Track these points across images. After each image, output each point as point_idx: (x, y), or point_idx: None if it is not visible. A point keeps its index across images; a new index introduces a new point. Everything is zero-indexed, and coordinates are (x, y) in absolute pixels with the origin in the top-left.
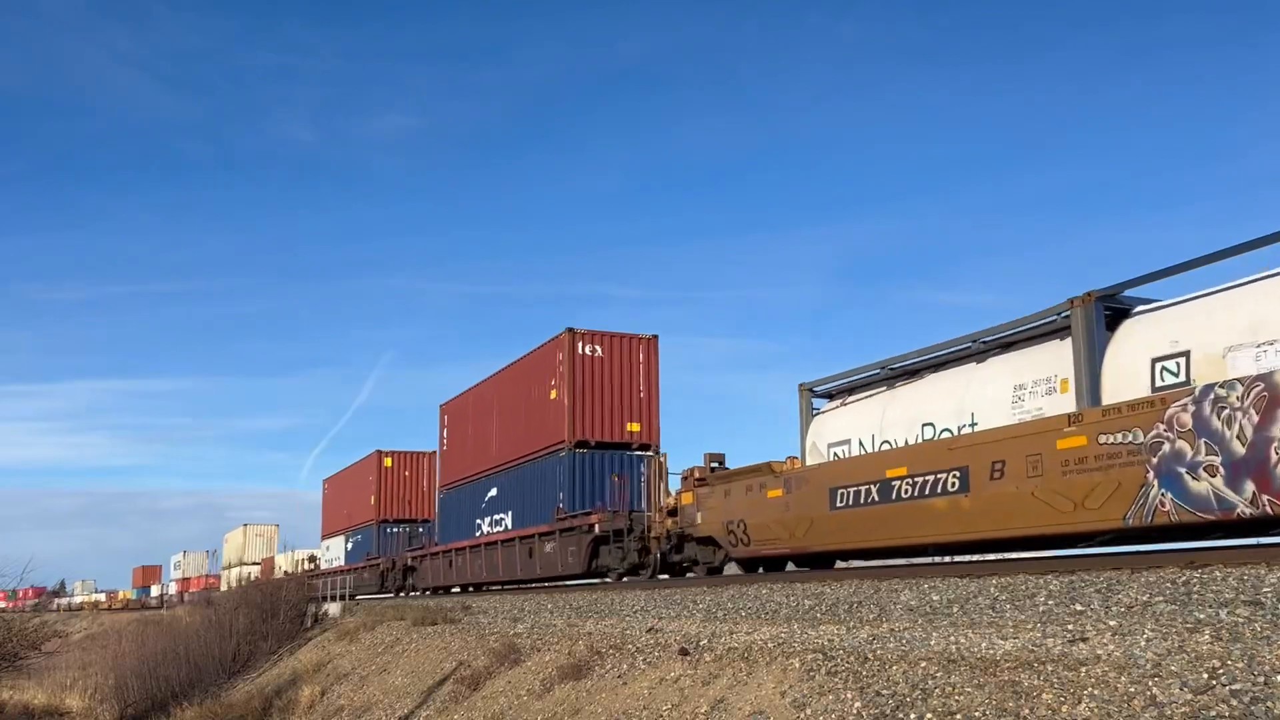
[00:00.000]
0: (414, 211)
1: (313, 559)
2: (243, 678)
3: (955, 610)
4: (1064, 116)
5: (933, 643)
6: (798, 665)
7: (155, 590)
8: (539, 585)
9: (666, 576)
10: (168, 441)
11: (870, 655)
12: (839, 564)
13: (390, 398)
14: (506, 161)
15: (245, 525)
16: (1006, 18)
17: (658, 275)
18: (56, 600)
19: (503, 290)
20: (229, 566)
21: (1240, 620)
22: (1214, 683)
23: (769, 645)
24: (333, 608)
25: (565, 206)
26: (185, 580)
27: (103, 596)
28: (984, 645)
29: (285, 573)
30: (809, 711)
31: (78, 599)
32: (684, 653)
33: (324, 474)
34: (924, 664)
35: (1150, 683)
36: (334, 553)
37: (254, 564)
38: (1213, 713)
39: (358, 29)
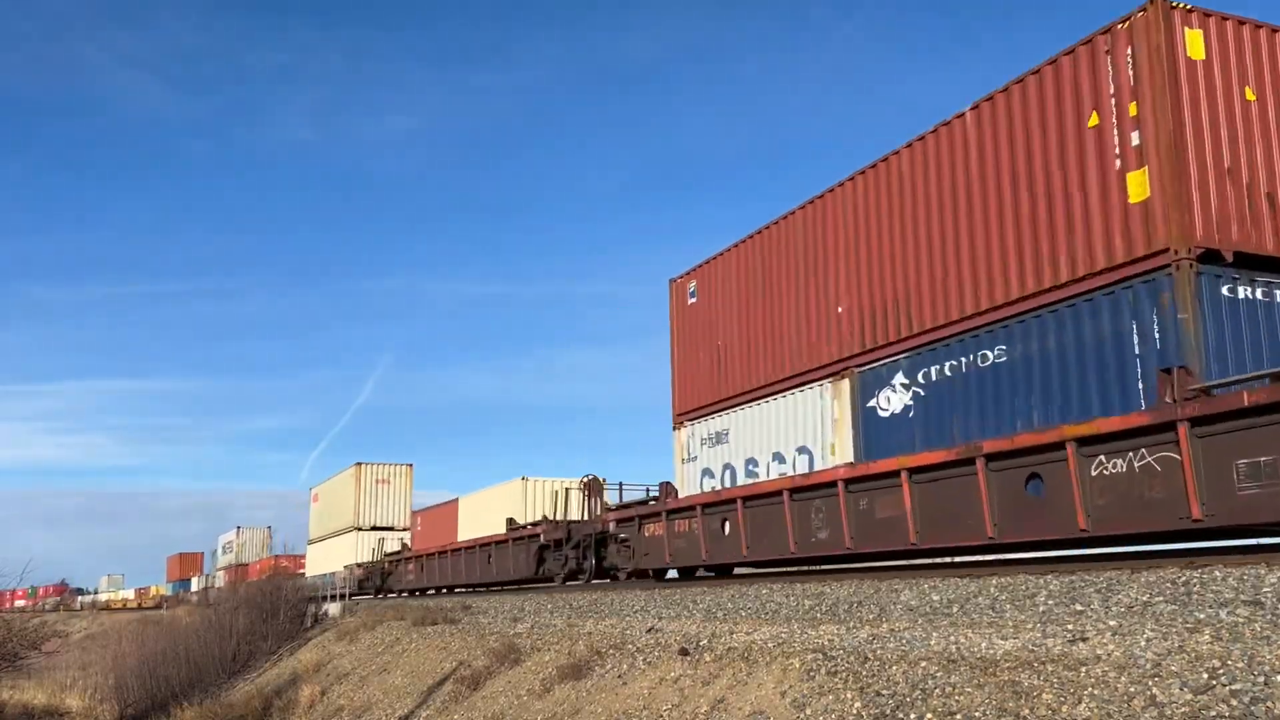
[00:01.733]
0: (414, 211)
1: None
2: (243, 678)
3: (955, 610)
4: None
5: (933, 643)
6: (798, 665)
7: (196, 583)
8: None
9: None
10: (168, 441)
11: (870, 655)
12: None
13: (391, 398)
14: (507, 161)
15: (359, 464)
16: (1008, 17)
17: (658, 275)
18: (80, 598)
19: (503, 290)
20: (319, 539)
21: (1240, 620)
22: (1214, 683)
23: (769, 645)
24: (333, 608)
25: (566, 206)
26: (240, 568)
27: (131, 594)
28: (984, 645)
29: (532, 526)
30: (809, 711)
31: (103, 596)
32: (684, 653)
33: (324, 474)
34: (924, 664)
35: (1150, 683)
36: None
37: (393, 529)
38: (1213, 713)
39: (359, 29)
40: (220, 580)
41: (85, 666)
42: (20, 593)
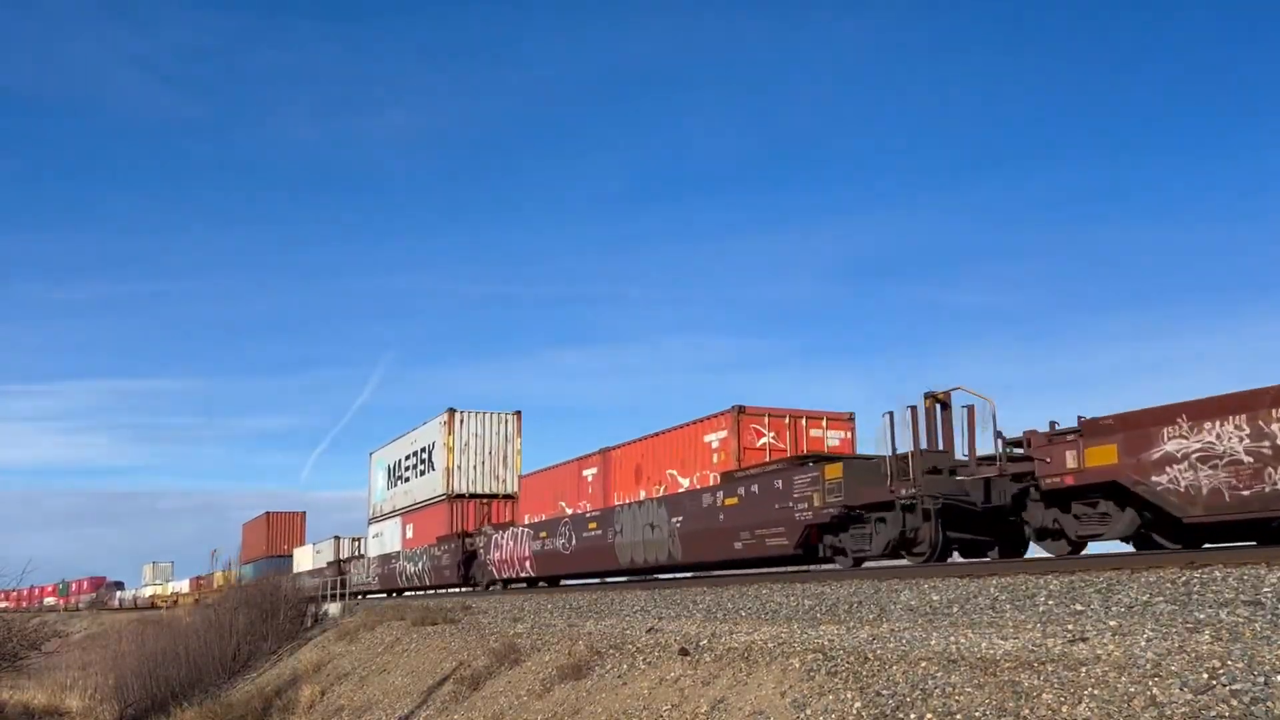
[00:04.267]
0: (416, 211)
1: None
2: (243, 678)
3: (955, 610)
4: (1069, 115)
5: (933, 643)
6: (798, 665)
7: (305, 559)
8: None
9: None
10: (168, 441)
11: (870, 655)
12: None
13: (392, 398)
14: (509, 161)
15: None
16: (1011, 16)
17: (658, 275)
18: (119, 594)
19: (503, 290)
20: None
21: (1240, 620)
22: (1214, 683)
23: (769, 645)
24: (333, 608)
25: (567, 206)
26: (475, 507)
27: (185, 585)
28: (984, 645)
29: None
30: (809, 711)
31: (147, 590)
32: (684, 653)
33: (326, 472)
34: (924, 664)
35: (1150, 683)
36: None
37: None
38: (1213, 713)
39: (362, 28)
40: (393, 542)
41: (85, 666)
42: (50, 589)
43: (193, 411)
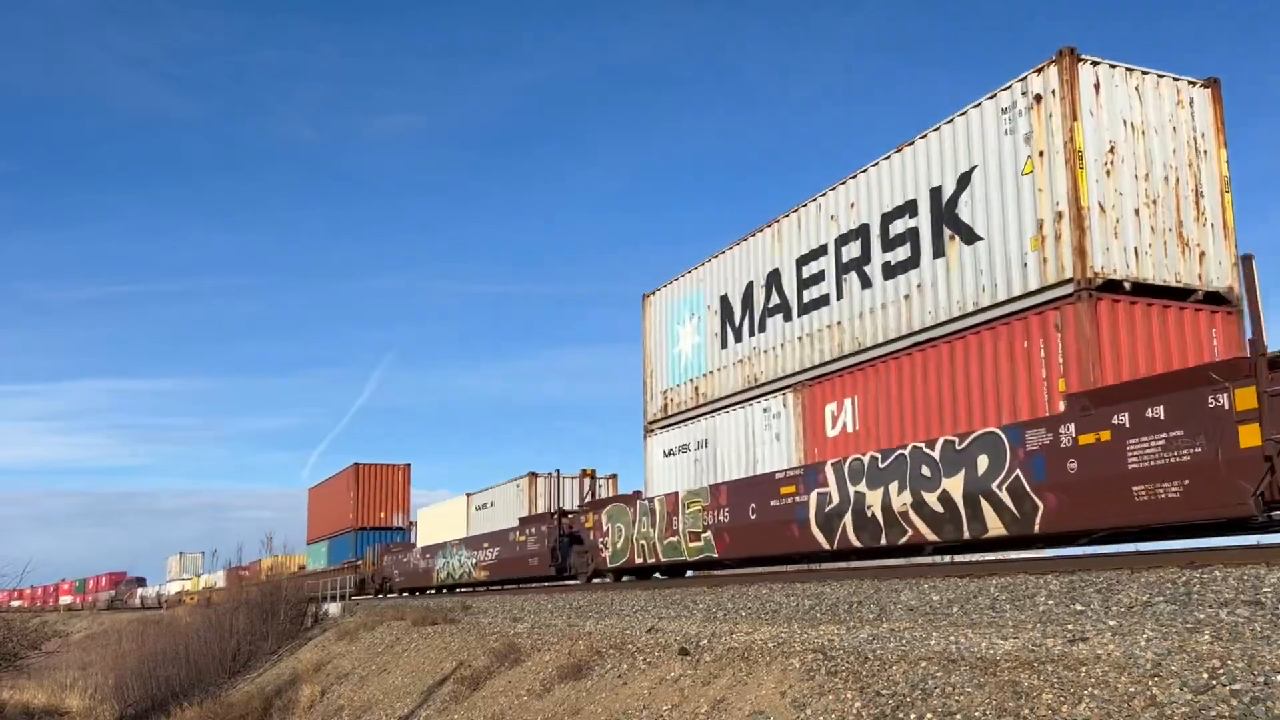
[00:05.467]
0: (416, 210)
1: None
2: (243, 678)
3: (955, 610)
4: None
5: (933, 643)
6: (798, 665)
7: (450, 522)
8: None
9: None
10: (168, 441)
11: (870, 655)
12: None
13: (393, 397)
14: (509, 160)
15: None
16: (1011, 14)
17: (659, 274)
18: (140, 591)
19: (503, 290)
20: None
21: (1240, 620)
22: (1214, 683)
23: (769, 645)
24: (333, 608)
25: (568, 205)
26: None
27: (220, 578)
28: (984, 645)
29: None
30: (809, 711)
31: (172, 586)
32: (684, 653)
33: (325, 475)
34: (924, 664)
35: (1150, 683)
36: None
37: None
38: (1213, 713)
39: (361, 27)
40: (752, 454)
41: (85, 666)
42: (67, 586)
43: (193, 411)
